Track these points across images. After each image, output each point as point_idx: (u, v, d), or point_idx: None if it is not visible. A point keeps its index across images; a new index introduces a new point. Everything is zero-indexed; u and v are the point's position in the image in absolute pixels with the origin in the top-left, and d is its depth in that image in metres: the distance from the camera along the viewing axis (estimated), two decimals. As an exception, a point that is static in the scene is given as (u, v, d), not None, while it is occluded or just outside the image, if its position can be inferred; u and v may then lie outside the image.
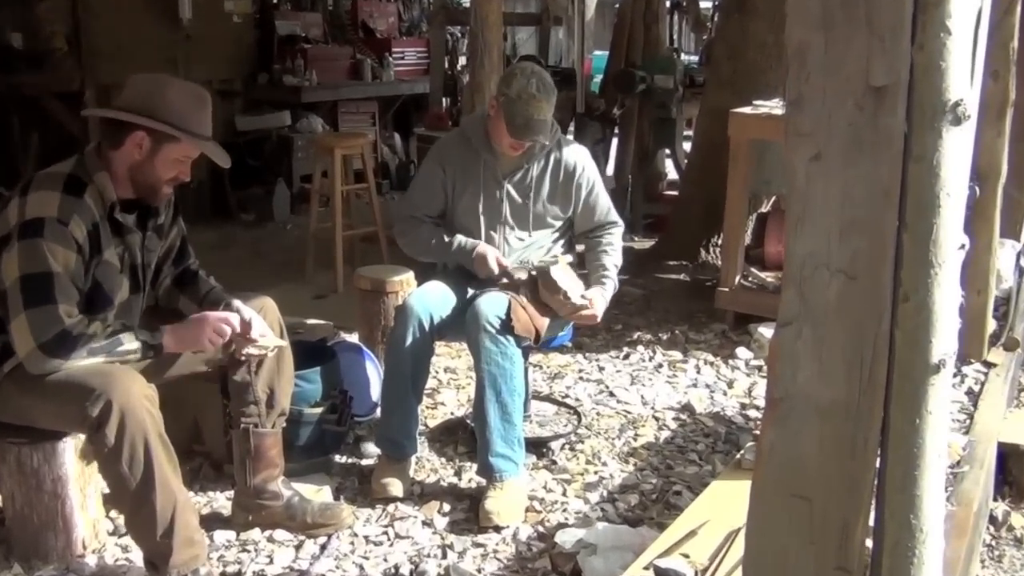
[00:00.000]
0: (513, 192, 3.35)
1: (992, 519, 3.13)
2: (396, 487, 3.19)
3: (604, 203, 3.44)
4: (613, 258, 3.43)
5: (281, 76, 7.73)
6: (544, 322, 3.23)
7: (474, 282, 3.35)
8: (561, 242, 3.47)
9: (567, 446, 3.60)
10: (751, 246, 5.29)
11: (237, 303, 2.84)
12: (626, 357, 4.53)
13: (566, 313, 3.24)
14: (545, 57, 9.24)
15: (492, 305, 3.15)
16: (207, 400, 3.14)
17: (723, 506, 2.73)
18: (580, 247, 3.56)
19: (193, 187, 6.36)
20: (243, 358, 2.87)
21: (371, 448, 3.48)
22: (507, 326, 3.10)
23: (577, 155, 3.39)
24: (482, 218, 3.35)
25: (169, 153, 2.62)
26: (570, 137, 3.78)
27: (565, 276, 3.20)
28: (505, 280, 3.27)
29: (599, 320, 3.33)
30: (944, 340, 1.40)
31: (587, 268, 3.41)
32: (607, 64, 7.49)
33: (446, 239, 3.34)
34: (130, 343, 2.58)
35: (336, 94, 8.09)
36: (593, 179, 3.40)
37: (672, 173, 7.22)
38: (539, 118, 3.14)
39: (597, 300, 3.28)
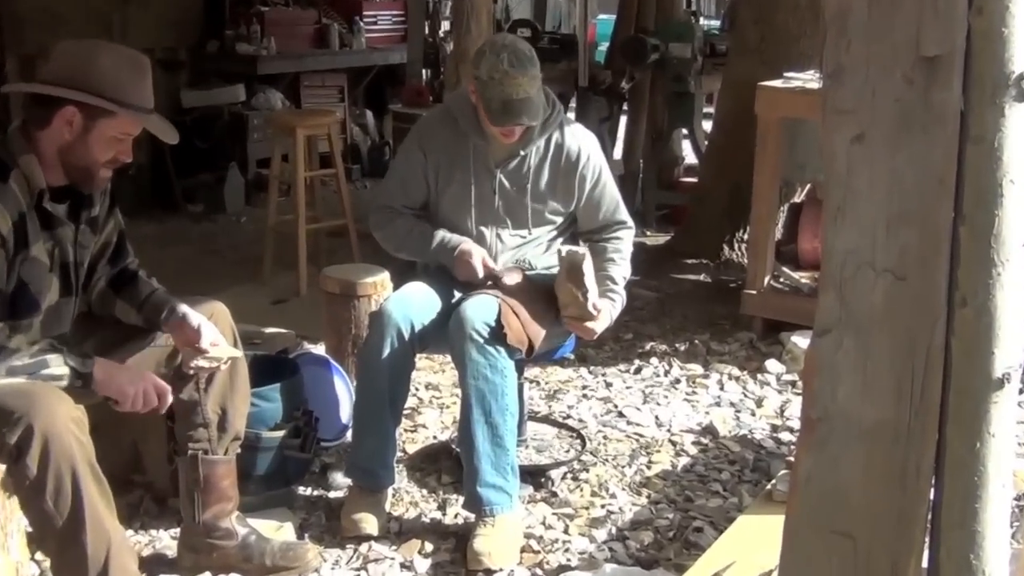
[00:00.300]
0: (506, 183, 3.35)
1: (1064, 559, 3.14)
2: (370, 523, 3.17)
3: (612, 198, 3.45)
4: (622, 268, 3.43)
5: (234, 44, 7.72)
6: (539, 332, 3.22)
7: (461, 283, 3.35)
8: (560, 240, 3.47)
9: (569, 475, 3.59)
10: (783, 241, 5.28)
11: (183, 308, 2.83)
12: (637, 371, 4.53)
13: (571, 313, 3.24)
14: (542, 21, 9.26)
15: (480, 310, 3.14)
16: (148, 422, 3.09)
17: (752, 545, 2.72)
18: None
19: (131, 174, 6.32)
20: (191, 372, 2.85)
21: (340, 478, 3.47)
22: (497, 335, 3.10)
23: (581, 140, 3.40)
24: (473, 212, 3.36)
25: (105, 130, 2.61)
26: (572, 116, 3.78)
27: (591, 273, 3.20)
28: (491, 286, 3.27)
29: (595, 338, 3.33)
30: (1008, 351, 1.41)
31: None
32: (614, 30, 7.47)
33: (427, 233, 3.35)
34: (57, 367, 2.54)
35: (298, 65, 8.11)
36: (599, 169, 3.41)
37: (690, 156, 7.19)
38: (518, 97, 3.14)
39: (604, 315, 3.28)
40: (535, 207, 3.37)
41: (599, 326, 3.28)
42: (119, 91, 2.58)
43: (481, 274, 3.27)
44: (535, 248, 3.42)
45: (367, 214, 3.58)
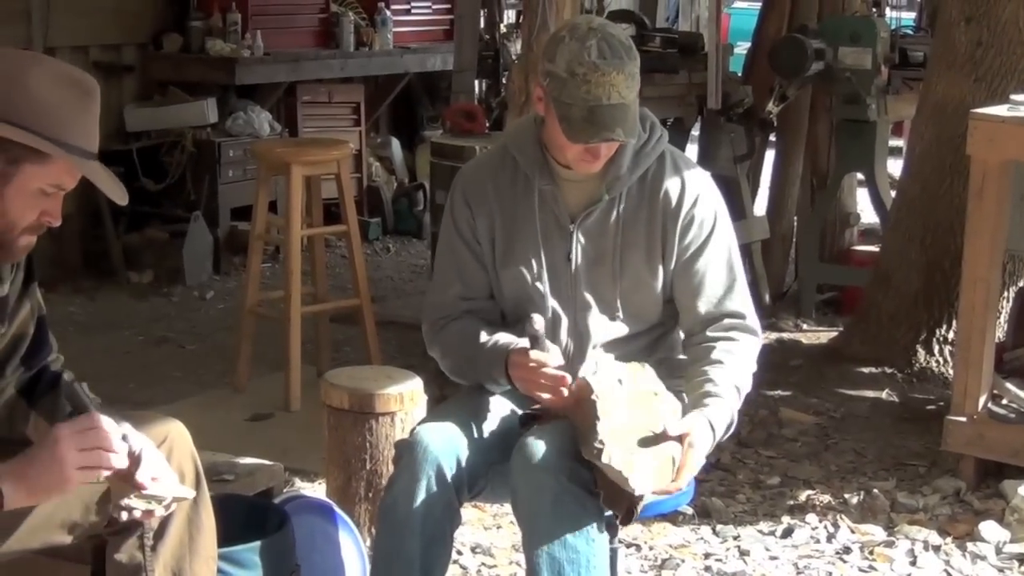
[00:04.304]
0: (586, 244, 3.36)
1: None
2: None
3: (724, 274, 3.37)
4: (731, 372, 3.28)
5: (203, 41, 7.94)
6: (649, 483, 3.08)
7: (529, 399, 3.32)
8: (666, 342, 3.46)
9: None
10: (1007, 344, 5.28)
11: (126, 428, 2.76)
12: (787, 534, 4.50)
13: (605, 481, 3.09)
14: (651, 15, 9.24)
15: (559, 441, 3.12)
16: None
17: None
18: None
19: (53, 230, 6.38)
20: (122, 514, 2.76)
21: None
22: (584, 480, 3.09)
23: (688, 177, 3.39)
24: (548, 293, 3.35)
25: (30, 180, 2.64)
26: (694, 152, 3.69)
27: (625, 397, 3.11)
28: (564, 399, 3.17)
29: (682, 486, 3.16)
30: None
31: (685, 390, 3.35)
32: (758, 26, 7.60)
33: (473, 338, 3.34)
34: None
35: (295, 72, 8.33)
36: (712, 224, 3.36)
37: (869, 214, 7.28)
38: (611, 103, 3.15)
39: (700, 438, 3.15)
40: (631, 279, 3.35)
41: (690, 459, 3.10)
42: (56, 125, 2.60)
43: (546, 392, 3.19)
44: (638, 350, 3.38)
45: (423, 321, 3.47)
